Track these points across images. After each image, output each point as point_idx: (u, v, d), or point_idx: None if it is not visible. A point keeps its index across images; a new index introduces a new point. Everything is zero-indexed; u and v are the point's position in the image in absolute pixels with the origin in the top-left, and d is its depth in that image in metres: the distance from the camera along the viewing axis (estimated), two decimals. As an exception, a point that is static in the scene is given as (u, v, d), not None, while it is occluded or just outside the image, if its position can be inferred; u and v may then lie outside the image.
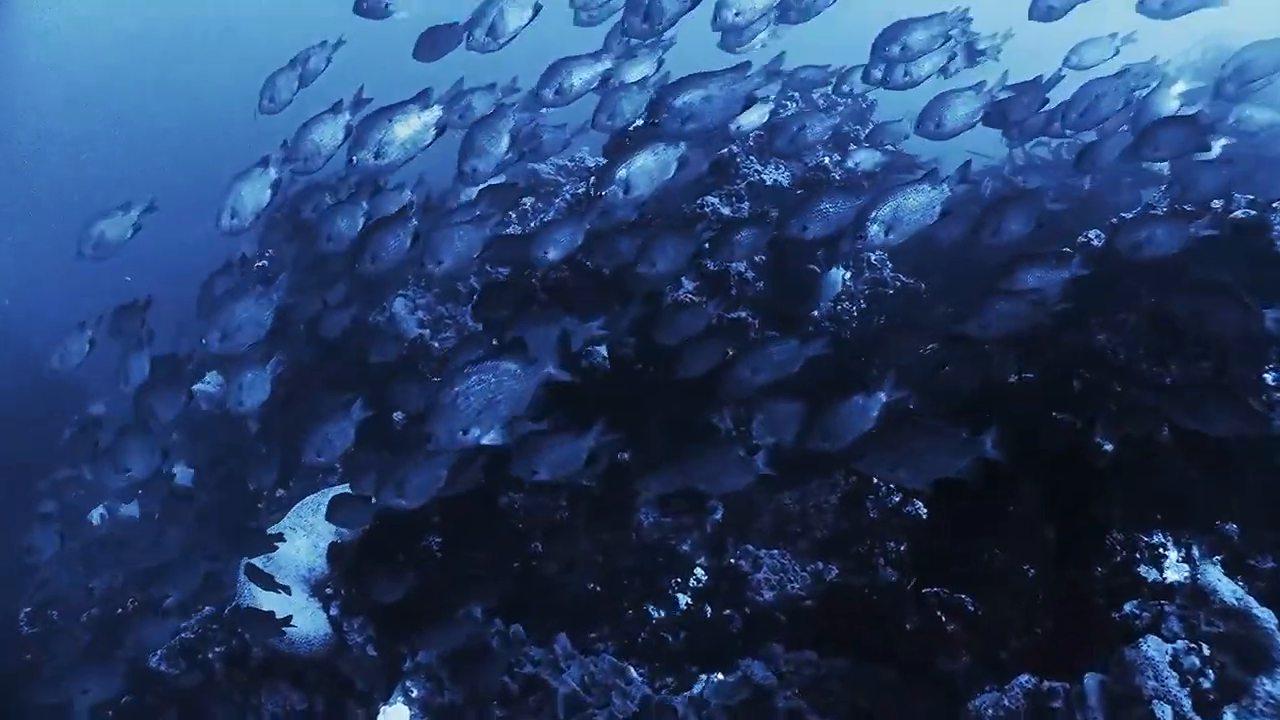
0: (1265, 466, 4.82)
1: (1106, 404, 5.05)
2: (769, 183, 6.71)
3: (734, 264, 6.40)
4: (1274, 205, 5.26)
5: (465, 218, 5.21)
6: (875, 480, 6.74)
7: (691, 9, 4.89)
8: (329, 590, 6.50)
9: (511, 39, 5.43)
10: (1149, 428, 5.04)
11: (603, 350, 6.31)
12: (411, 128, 4.77)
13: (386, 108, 4.78)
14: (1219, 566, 4.22)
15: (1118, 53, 6.38)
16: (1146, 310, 5.41)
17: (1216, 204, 5.56)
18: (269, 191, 5.10)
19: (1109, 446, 4.99)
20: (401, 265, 5.48)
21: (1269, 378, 4.85)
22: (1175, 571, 4.31)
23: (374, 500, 5.53)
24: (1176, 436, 5.01)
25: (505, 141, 5.08)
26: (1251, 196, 5.54)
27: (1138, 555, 4.37)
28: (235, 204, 5.01)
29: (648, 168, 5.11)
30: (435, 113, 4.76)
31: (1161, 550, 4.41)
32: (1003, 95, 6.18)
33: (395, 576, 5.87)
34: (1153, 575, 4.31)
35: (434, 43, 6.15)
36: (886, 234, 4.74)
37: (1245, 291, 4.80)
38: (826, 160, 7.08)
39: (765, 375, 5.52)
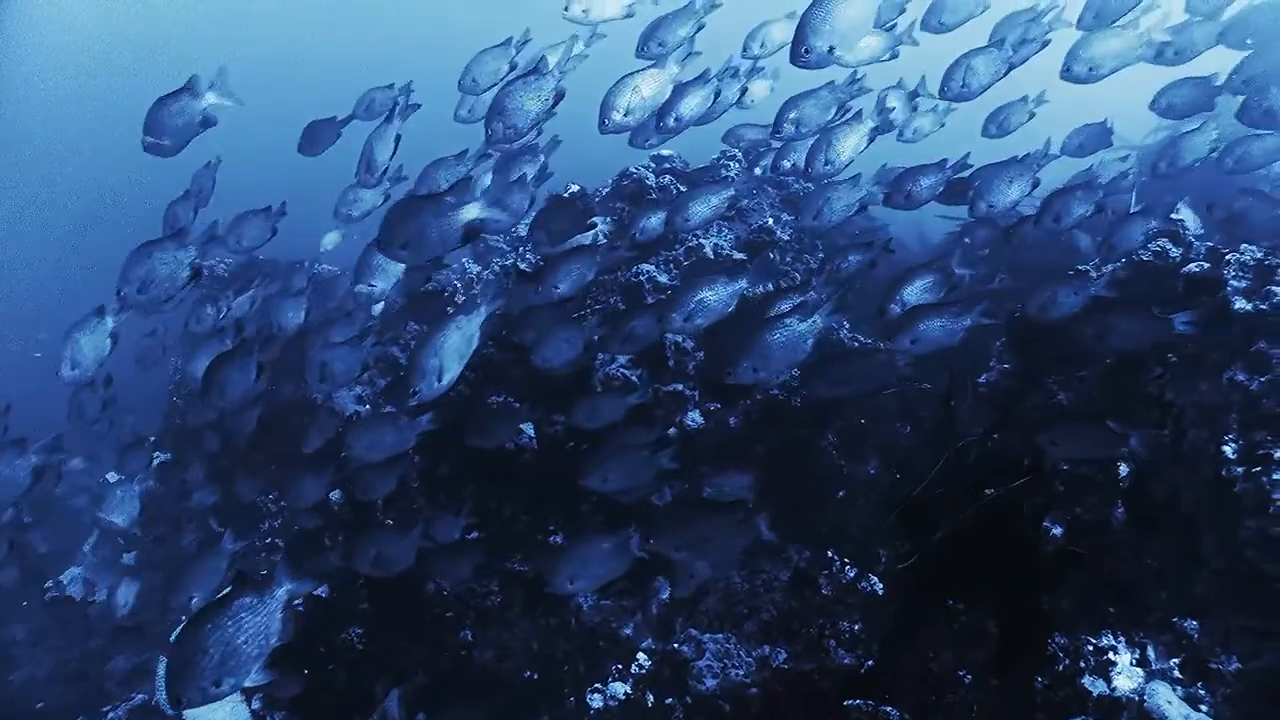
0: (1228, 545, 4.22)
1: (1054, 483, 4.43)
2: (708, 248, 6.15)
3: (670, 335, 5.84)
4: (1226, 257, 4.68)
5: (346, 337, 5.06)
6: (830, 555, 6.16)
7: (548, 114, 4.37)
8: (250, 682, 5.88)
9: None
10: (1101, 508, 4.43)
11: (529, 430, 5.73)
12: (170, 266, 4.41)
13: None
14: (1169, 686, 3.59)
15: (1033, 116, 5.80)
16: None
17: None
18: (109, 341, 4.72)
19: (1058, 530, 4.37)
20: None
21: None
22: (1126, 678, 3.68)
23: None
24: (1132, 517, 4.42)
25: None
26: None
27: (1083, 664, 3.75)
28: (75, 354, 4.66)
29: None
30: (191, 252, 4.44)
31: (1111, 654, 3.78)
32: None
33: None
34: (1099, 688, 3.68)
35: (314, 138, 5.84)
36: (686, 321, 4.66)
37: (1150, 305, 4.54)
38: (772, 221, 6.53)
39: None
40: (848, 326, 7.17)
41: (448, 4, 33.12)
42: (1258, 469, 4.10)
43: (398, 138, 4.86)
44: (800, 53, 4.17)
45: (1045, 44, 5.19)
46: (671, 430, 5.96)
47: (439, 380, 3.65)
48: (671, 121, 4.53)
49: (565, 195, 6.38)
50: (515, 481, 5.93)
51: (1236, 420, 4.30)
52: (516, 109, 4.22)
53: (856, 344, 6.62)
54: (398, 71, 5.99)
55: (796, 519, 6.43)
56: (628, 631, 6.03)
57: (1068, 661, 3.84)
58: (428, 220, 3.73)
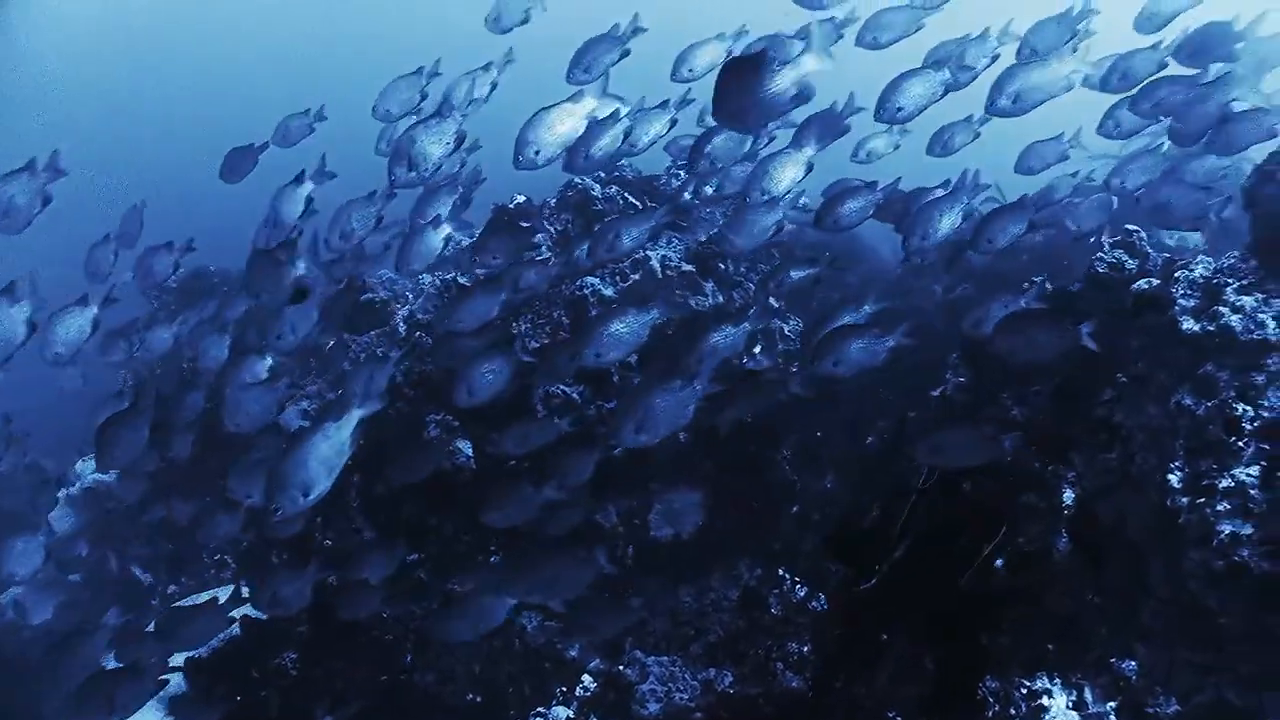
0: (1173, 575, 3.96)
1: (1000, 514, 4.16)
2: (654, 261, 5.88)
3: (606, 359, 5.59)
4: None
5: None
6: (780, 573, 5.91)
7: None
8: (185, 711, 5.63)
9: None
10: (1045, 540, 4.17)
11: (467, 449, 5.47)
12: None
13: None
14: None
15: (978, 136, 5.55)
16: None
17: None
18: (89, 327, 4.76)
19: (1000, 562, 4.10)
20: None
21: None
22: (1061, 720, 3.44)
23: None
24: (1076, 546, 4.16)
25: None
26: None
27: (1013, 711, 3.49)
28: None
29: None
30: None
31: (1045, 699, 3.53)
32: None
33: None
34: (1032, 733, 3.44)
35: (233, 166, 5.69)
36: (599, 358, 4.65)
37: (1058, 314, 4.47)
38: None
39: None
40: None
41: (448, 4, 32.72)
42: (1201, 499, 3.84)
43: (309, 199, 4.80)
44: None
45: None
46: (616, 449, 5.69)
47: (304, 496, 3.43)
48: (581, 160, 4.28)
49: (510, 206, 6.11)
50: (455, 499, 5.66)
51: (1183, 446, 4.04)
52: (419, 154, 4.04)
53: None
54: (391, 69, 5.74)
55: (749, 536, 6.19)
56: (573, 653, 5.77)
57: (997, 708, 3.59)
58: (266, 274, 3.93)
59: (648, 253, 5.92)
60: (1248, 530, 3.72)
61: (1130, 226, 5.74)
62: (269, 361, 4.88)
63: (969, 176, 4.96)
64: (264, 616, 5.69)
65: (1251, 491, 3.77)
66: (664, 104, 4.74)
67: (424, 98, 5.08)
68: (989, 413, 5.79)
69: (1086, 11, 5.21)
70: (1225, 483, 3.82)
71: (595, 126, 4.23)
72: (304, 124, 5.38)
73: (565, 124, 4.17)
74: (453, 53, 5.96)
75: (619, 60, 4.83)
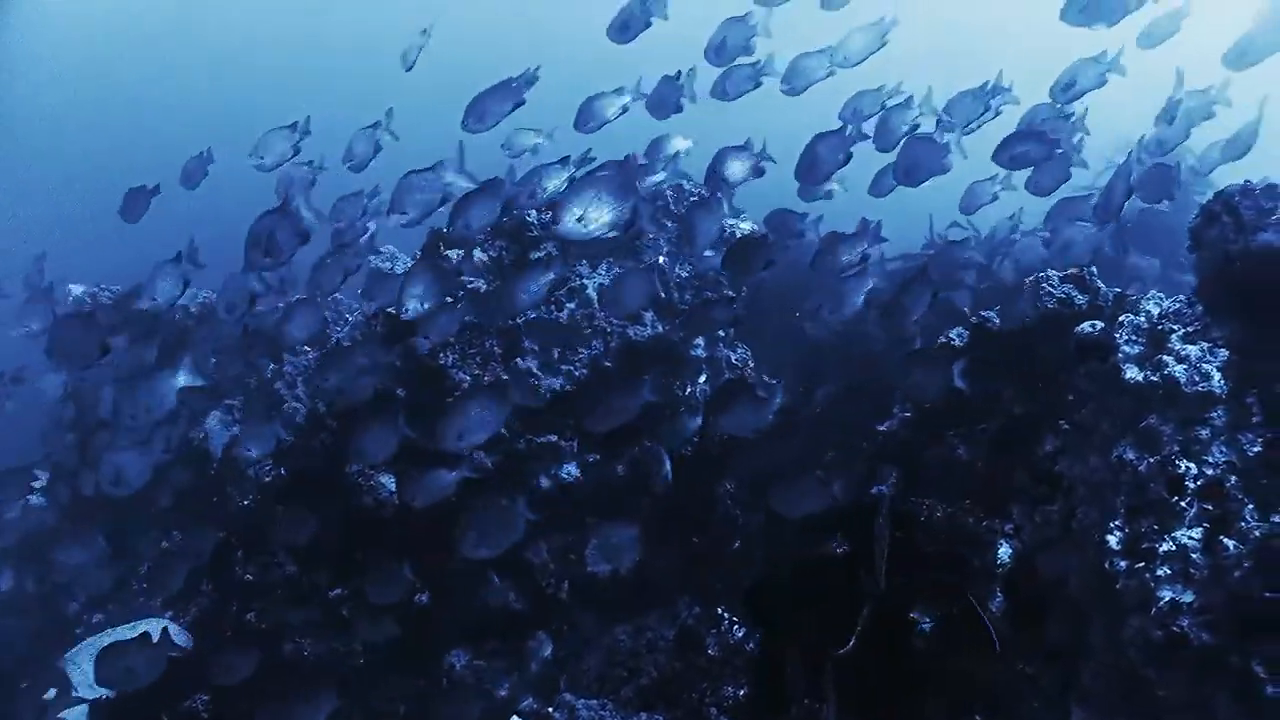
0: (1114, 638, 3.64)
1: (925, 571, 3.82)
2: (591, 289, 5.54)
3: (546, 382, 5.27)
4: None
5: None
6: (720, 612, 5.58)
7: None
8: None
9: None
10: (974, 602, 3.82)
11: (389, 484, 5.12)
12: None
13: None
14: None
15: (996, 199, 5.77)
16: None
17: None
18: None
19: (927, 624, 3.76)
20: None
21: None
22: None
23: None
24: (1011, 608, 3.84)
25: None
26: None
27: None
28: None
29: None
30: None
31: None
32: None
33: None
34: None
35: (130, 206, 5.65)
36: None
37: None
38: (663, 259, 5.93)
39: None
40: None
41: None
42: (1141, 563, 3.51)
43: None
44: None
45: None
46: (544, 482, 5.35)
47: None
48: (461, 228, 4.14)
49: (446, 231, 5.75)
50: (379, 535, 5.32)
51: (1124, 503, 3.71)
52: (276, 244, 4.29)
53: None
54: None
55: (689, 573, 5.85)
56: (503, 692, 5.43)
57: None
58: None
59: (584, 280, 5.58)
60: (1188, 598, 3.40)
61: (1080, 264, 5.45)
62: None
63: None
64: (176, 654, 5.35)
65: (1193, 556, 3.45)
66: (564, 160, 4.63)
67: (297, 152, 5.08)
68: (934, 453, 5.47)
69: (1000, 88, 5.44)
70: (1166, 546, 3.50)
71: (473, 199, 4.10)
72: (200, 165, 5.37)
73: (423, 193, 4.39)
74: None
75: (512, 110, 4.85)
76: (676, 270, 6.02)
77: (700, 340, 6.12)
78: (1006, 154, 5.18)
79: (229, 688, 5.14)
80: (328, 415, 5.32)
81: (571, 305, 5.53)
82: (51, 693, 5.46)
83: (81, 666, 5.46)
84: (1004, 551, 3.99)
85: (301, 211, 4.92)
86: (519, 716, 5.35)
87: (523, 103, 4.81)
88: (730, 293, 5.84)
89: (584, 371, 5.52)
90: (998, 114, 5.48)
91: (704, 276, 6.21)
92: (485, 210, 4.37)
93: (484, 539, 4.69)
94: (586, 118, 4.99)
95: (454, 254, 5.41)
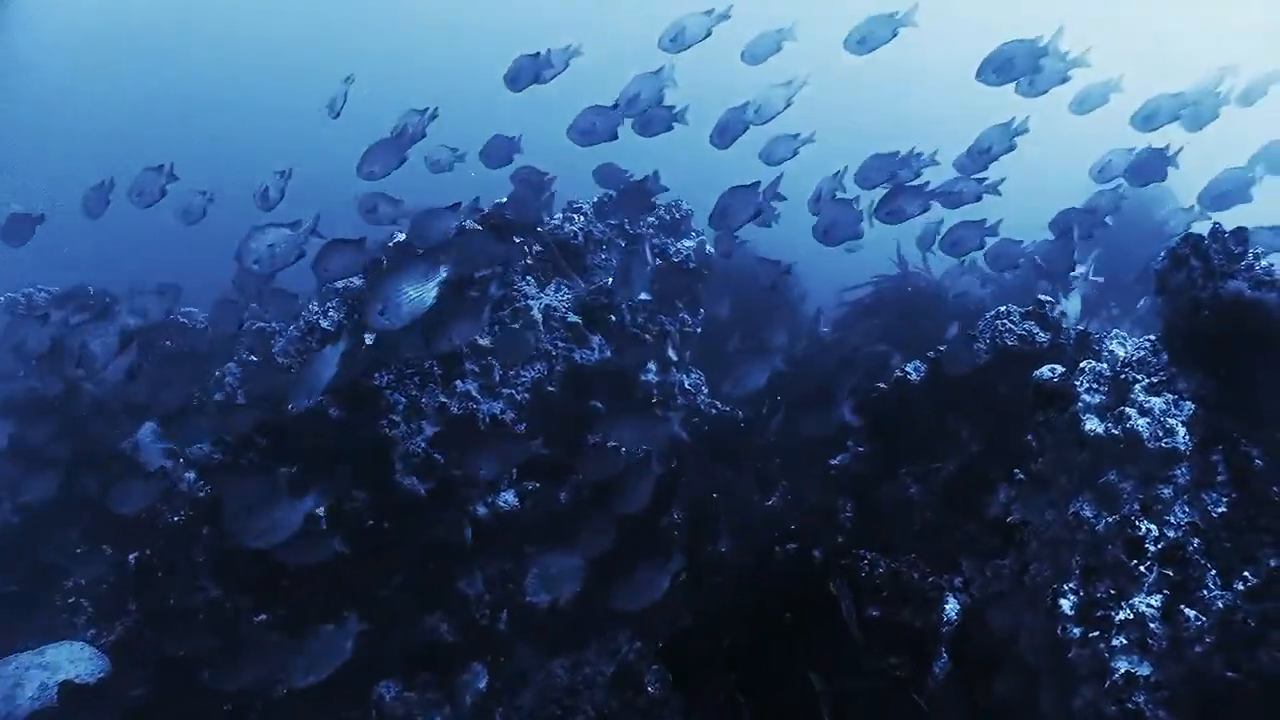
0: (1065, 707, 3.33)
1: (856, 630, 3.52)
2: (536, 310, 5.19)
3: (485, 407, 4.90)
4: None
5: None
6: (662, 645, 5.23)
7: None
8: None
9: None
10: (919, 662, 3.52)
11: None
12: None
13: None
14: None
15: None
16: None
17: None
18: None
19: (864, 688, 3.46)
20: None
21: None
22: None
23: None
24: (954, 678, 3.53)
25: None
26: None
27: None
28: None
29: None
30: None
31: None
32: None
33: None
34: None
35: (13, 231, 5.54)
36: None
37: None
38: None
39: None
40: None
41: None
42: (1096, 631, 3.19)
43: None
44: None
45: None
46: (481, 510, 4.99)
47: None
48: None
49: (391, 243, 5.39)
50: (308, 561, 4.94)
51: (1079, 564, 3.39)
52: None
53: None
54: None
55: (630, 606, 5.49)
56: (433, 728, 5.06)
57: None
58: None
59: (529, 301, 5.23)
60: (1145, 671, 3.08)
61: (1043, 296, 5.15)
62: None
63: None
64: (89, 681, 4.96)
65: (1151, 625, 3.13)
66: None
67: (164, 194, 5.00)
68: (884, 491, 5.15)
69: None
70: (1123, 613, 3.18)
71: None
72: (100, 195, 5.28)
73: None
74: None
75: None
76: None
77: (652, 365, 5.79)
78: (884, 209, 5.44)
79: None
80: (256, 433, 4.94)
81: (515, 326, 5.18)
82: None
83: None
84: (951, 608, 3.65)
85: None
86: (449, 752, 5.00)
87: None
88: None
89: (526, 396, 5.15)
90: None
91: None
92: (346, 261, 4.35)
93: None
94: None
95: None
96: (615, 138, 5.04)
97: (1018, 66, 5.41)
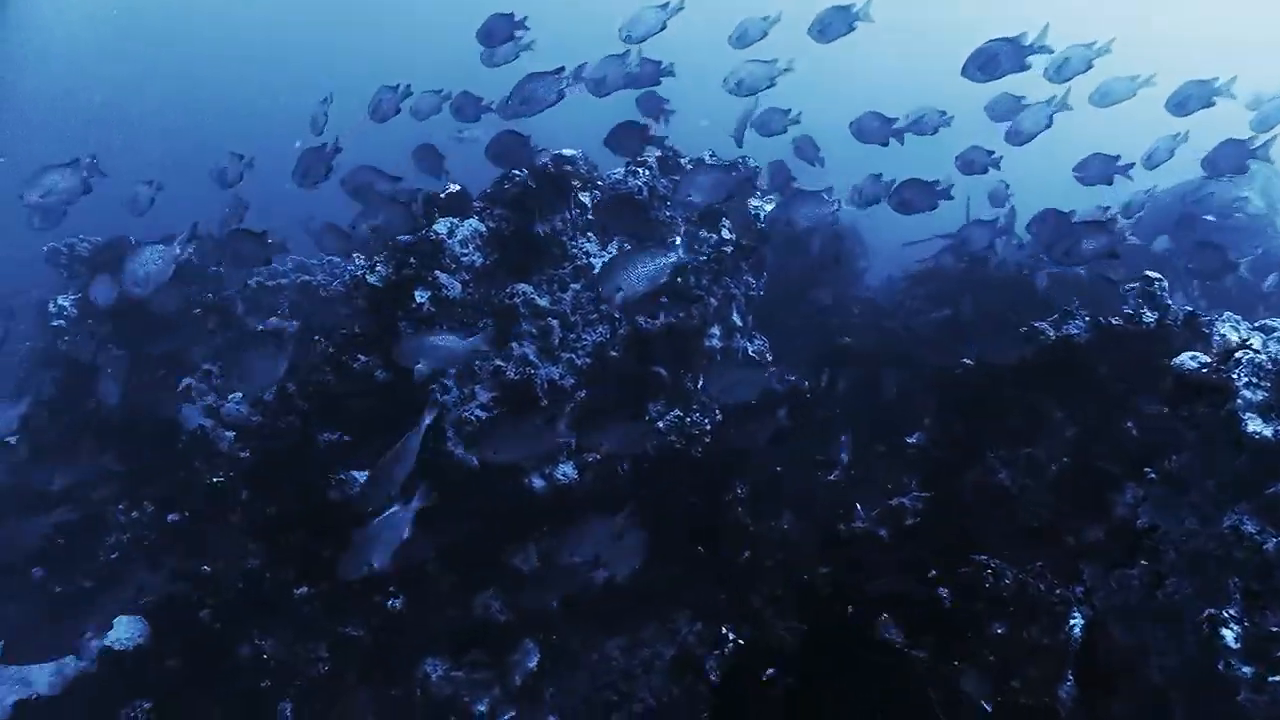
0: None
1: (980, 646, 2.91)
2: (599, 267, 4.56)
3: (543, 371, 4.29)
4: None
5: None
6: (724, 632, 4.66)
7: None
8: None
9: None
10: (1046, 684, 2.91)
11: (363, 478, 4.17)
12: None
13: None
14: None
15: None
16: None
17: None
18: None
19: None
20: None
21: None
22: None
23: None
24: (1085, 690, 2.91)
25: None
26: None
27: None
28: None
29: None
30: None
31: None
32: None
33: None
34: None
35: None
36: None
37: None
38: (679, 240, 4.93)
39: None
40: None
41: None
42: (1263, 669, 2.57)
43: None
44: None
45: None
46: (538, 482, 4.41)
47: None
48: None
49: (442, 196, 4.75)
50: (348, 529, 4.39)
51: (1238, 587, 2.75)
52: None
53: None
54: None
55: (690, 586, 4.92)
56: (482, 707, 4.52)
57: None
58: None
59: (591, 260, 4.59)
60: (1330, 721, 2.46)
61: (1151, 274, 4.47)
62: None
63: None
64: (124, 648, 4.45)
65: (1343, 672, 2.50)
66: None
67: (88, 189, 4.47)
68: (972, 476, 4.51)
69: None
70: (1301, 651, 2.55)
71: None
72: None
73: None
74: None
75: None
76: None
77: (716, 329, 5.16)
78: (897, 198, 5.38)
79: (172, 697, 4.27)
80: (298, 395, 4.36)
81: (577, 286, 4.55)
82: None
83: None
84: (1076, 622, 3.03)
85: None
86: (498, 735, 4.48)
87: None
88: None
89: (587, 360, 4.54)
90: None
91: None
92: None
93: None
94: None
95: (445, 223, 4.41)
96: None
97: (1002, 64, 5.21)
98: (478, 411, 4.21)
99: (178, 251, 4.08)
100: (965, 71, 5.27)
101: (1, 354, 6.60)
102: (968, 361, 4.70)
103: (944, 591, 3.18)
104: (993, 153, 5.85)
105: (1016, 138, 5.79)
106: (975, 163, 5.89)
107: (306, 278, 5.93)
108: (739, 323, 5.38)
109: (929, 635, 3.12)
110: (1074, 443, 4.10)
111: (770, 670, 3.17)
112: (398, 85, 5.21)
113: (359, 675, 4.54)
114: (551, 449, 4.09)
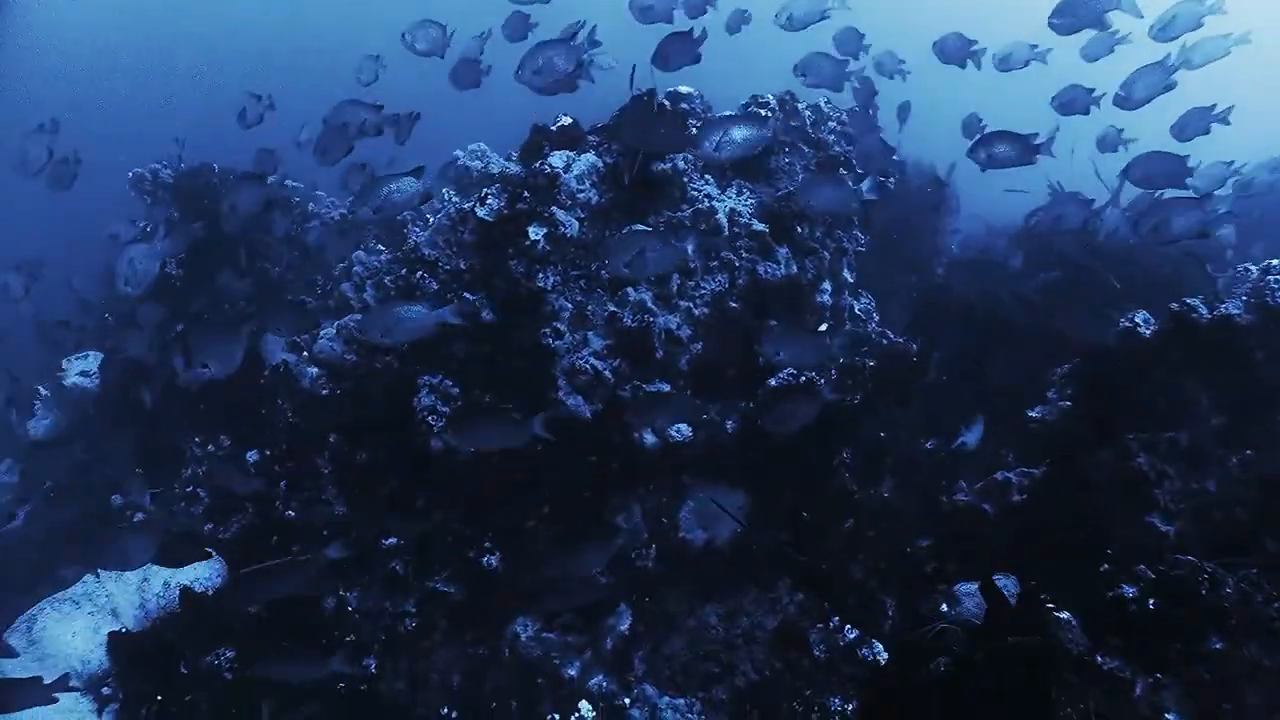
0: None
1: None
2: (722, 213, 4.03)
3: (660, 320, 3.79)
4: None
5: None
6: (827, 605, 4.21)
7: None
8: (106, 689, 3.97)
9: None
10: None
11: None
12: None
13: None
14: None
15: None
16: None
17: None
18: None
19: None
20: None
21: None
22: None
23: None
24: None
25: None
26: None
27: None
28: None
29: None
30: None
31: None
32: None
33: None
34: None
35: None
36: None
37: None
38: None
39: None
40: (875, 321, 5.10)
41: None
42: None
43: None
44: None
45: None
46: (649, 439, 3.93)
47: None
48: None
49: (554, 129, 4.24)
50: (448, 481, 3.93)
51: None
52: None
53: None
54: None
55: (791, 552, 4.46)
56: (572, 672, 4.09)
57: None
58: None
59: (714, 204, 4.07)
60: None
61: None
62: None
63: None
64: (206, 590, 4.05)
65: None
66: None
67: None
68: (1102, 457, 4.01)
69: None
70: None
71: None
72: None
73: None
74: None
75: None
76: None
77: (828, 285, 4.65)
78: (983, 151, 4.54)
79: (255, 645, 3.86)
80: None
81: (700, 229, 4.04)
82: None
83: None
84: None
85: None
86: (588, 702, 4.05)
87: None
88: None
89: (705, 310, 4.04)
90: None
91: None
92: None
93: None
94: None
95: (561, 157, 3.91)
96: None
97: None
98: (592, 360, 3.72)
99: (159, 250, 3.96)
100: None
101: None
102: (1112, 334, 4.19)
103: (1130, 591, 2.72)
104: (1093, 90, 5.25)
105: (1127, 102, 5.21)
106: (1075, 102, 5.30)
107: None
108: (849, 279, 4.86)
109: (1118, 640, 2.65)
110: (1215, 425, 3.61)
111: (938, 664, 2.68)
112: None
113: (446, 632, 4.13)
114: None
